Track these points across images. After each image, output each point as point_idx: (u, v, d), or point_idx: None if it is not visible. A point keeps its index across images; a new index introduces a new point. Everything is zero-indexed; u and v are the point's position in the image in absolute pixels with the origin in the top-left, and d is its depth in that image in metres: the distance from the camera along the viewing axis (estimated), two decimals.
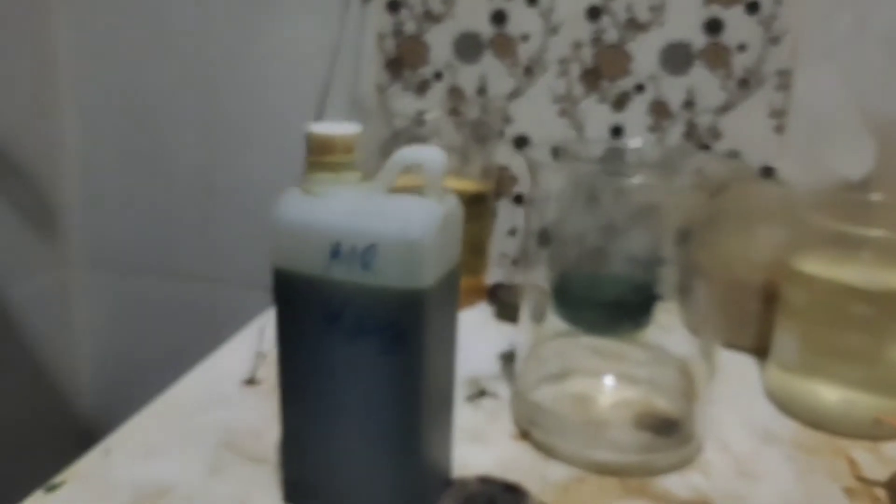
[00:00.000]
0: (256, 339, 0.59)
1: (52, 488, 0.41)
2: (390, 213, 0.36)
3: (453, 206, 0.38)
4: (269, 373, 0.55)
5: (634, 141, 0.66)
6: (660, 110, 0.69)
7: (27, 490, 0.42)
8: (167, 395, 0.52)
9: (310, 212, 0.36)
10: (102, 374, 0.90)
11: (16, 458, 0.79)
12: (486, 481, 0.44)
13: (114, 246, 0.86)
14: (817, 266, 0.53)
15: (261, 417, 0.49)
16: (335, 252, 0.36)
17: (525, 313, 0.54)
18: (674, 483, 0.45)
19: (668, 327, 0.57)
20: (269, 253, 0.37)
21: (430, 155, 0.36)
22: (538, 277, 0.56)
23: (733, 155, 0.67)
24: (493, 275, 0.74)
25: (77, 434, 0.90)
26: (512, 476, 0.45)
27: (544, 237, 0.56)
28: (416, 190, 0.37)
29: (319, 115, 0.71)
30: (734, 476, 0.46)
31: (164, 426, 0.48)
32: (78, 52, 0.81)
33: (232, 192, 0.81)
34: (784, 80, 0.66)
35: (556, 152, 0.56)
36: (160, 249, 0.85)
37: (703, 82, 0.67)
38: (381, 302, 0.36)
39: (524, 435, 0.49)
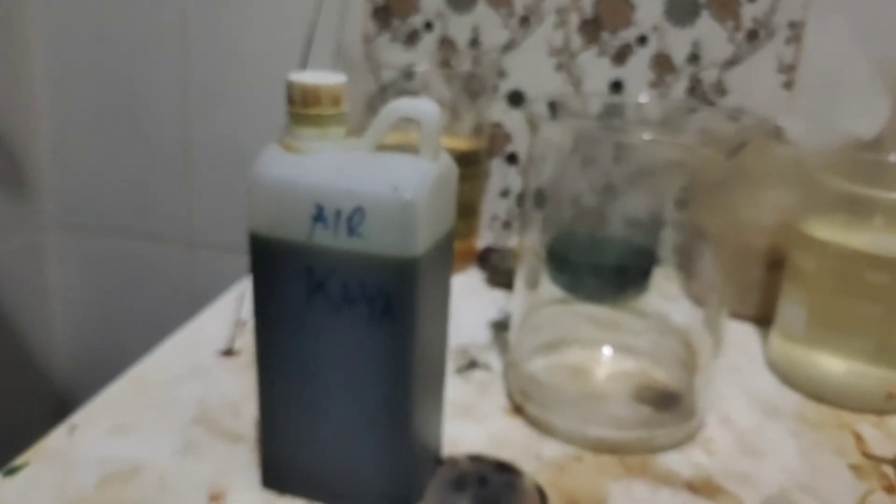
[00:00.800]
0: (235, 307, 0.55)
1: (13, 471, 0.38)
2: (380, 172, 0.32)
3: (448, 165, 0.35)
4: (248, 343, 0.52)
5: (642, 96, 0.62)
6: (663, 64, 0.65)
7: (2, 460, 0.40)
8: (139, 366, 0.48)
9: (291, 170, 0.33)
10: (77, 339, 0.86)
11: None
12: (477, 460, 0.42)
13: (88, 207, 0.82)
14: (827, 231, 0.50)
15: (238, 391, 0.46)
16: (318, 216, 0.32)
17: (519, 279, 0.51)
18: (675, 461, 0.43)
19: (667, 294, 0.55)
20: (247, 216, 0.34)
21: (424, 109, 0.33)
22: (533, 241, 0.53)
23: (739, 112, 0.64)
24: (484, 238, 0.71)
25: (51, 400, 0.86)
26: (505, 454, 0.42)
27: (540, 198, 0.53)
28: (407, 147, 0.34)
29: (302, 67, 0.67)
30: (737, 453, 0.44)
31: (135, 401, 0.45)
32: (47, 8, 0.76)
33: (210, 149, 0.77)
34: (795, 32, 0.62)
35: (553, 108, 0.52)
36: (136, 210, 0.80)
37: (710, 34, 0.63)
38: (368, 270, 0.33)
39: (518, 409, 0.47)
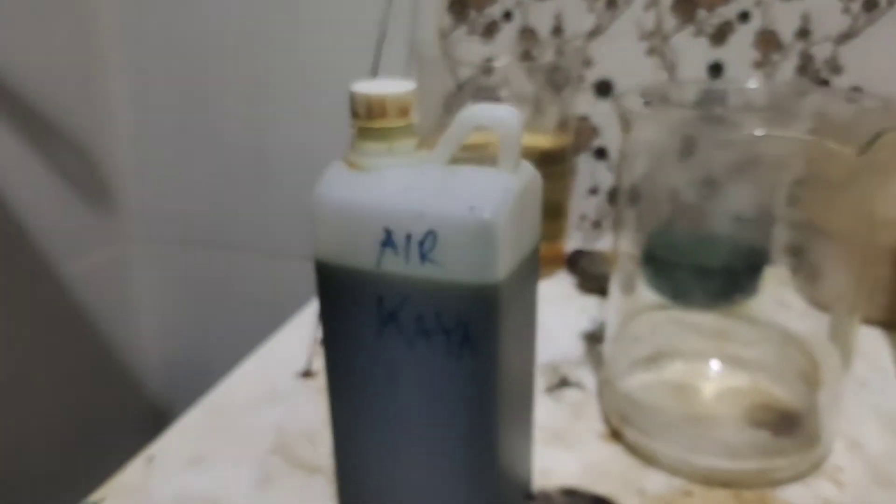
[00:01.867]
0: (313, 325, 0.53)
1: None
2: (454, 190, 0.29)
3: (531, 177, 0.31)
4: None
5: (750, 80, 0.56)
6: (769, 41, 0.59)
7: (98, 475, 0.39)
8: (216, 391, 0.47)
9: (355, 191, 0.30)
10: (166, 352, 0.87)
11: (84, 443, 0.77)
12: (572, 494, 0.38)
13: (168, 220, 0.82)
14: None
15: (316, 416, 0.44)
16: (387, 241, 0.29)
17: (614, 284, 0.47)
18: (799, 495, 0.38)
19: (781, 299, 0.49)
20: (312, 241, 0.31)
21: (502, 116, 0.29)
22: (627, 242, 0.48)
23: (857, 92, 0.57)
24: (573, 240, 0.67)
25: (146, 413, 0.88)
26: (602, 487, 0.38)
27: (634, 195, 0.48)
28: (482, 154, 0.31)
29: (375, 68, 0.64)
30: (871, 484, 0.39)
31: (212, 428, 0.43)
32: (124, 20, 0.76)
33: (285, 157, 0.75)
34: None
35: (646, 98, 0.48)
36: (215, 221, 0.80)
37: (822, 5, 0.57)
38: (444, 300, 0.29)
39: (616, 434, 0.42)
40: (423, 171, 0.30)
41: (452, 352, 0.30)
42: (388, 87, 0.30)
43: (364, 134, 0.31)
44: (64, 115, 0.73)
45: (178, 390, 0.87)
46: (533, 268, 0.33)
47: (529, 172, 0.31)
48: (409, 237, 0.29)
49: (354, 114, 0.31)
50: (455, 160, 0.30)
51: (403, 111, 0.30)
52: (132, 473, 0.40)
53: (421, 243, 0.29)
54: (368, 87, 0.30)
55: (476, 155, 0.31)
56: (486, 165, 0.30)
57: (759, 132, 0.38)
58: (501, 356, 0.30)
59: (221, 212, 0.79)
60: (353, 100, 0.30)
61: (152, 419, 0.89)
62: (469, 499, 0.33)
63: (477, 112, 0.30)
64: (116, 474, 0.39)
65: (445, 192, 0.29)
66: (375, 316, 0.30)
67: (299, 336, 0.53)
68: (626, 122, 0.42)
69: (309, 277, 0.81)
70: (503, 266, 0.29)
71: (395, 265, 0.29)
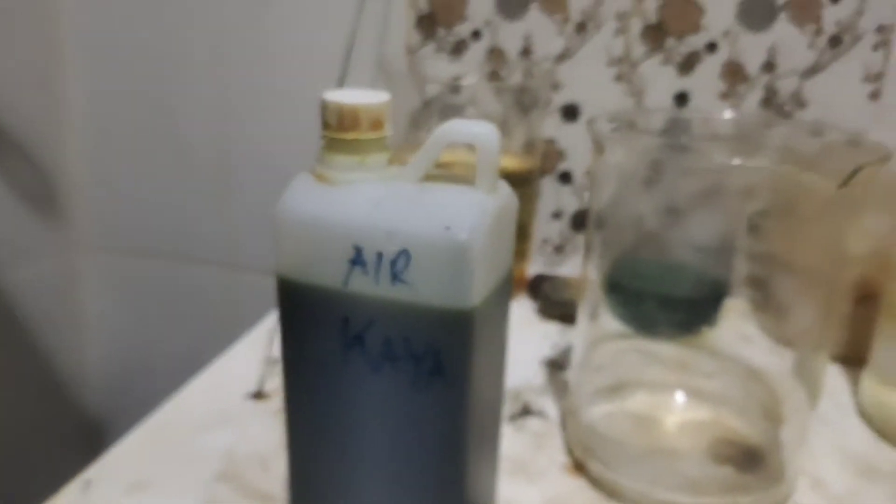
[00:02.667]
0: (266, 343, 0.51)
1: None
2: (428, 208, 0.27)
3: (507, 197, 0.30)
4: (279, 384, 0.47)
5: (724, 111, 0.56)
6: (735, 73, 0.59)
7: (33, 492, 0.36)
8: (161, 412, 0.44)
9: (323, 206, 0.28)
10: (112, 361, 0.83)
11: (21, 455, 0.73)
12: None
13: (123, 228, 0.79)
14: None
15: (268, 441, 0.42)
16: (356, 259, 0.28)
17: (581, 312, 0.46)
18: None
19: (741, 332, 0.49)
20: (274, 255, 0.29)
21: (481, 132, 0.28)
22: (593, 268, 0.47)
23: (821, 126, 0.58)
24: (535, 264, 0.66)
25: (84, 431, 0.83)
26: None
27: (600, 221, 0.47)
28: (454, 172, 0.29)
29: (341, 82, 0.62)
30: None
31: (156, 452, 0.41)
32: (82, 22, 0.73)
33: (249, 168, 0.73)
34: (884, 37, 0.56)
35: (614, 123, 0.47)
36: (172, 231, 0.77)
37: (788, 40, 0.57)
38: (415, 323, 0.28)
39: (579, 467, 0.41)
40: (396, 187, 0.29)
41: (421, 379, 0.28)
42: (362, 97, 0.29)
43: (334, 145, 0.29)
44: (15, 120, 0.70)
45: (121, 408, 0.83)
46: (506, 293, 0.31)
47: (506, 192, 0.30)
48: (380, 256, 0.27)
49: (325, 123, 0.29)
50: (429, 178, 0.29)
51: (377, 123, 0.29)
52: (67, 497, 0.37)
53: (393, 263, 0.27)
54: (341, 96, 0.29)
55: (448, 173, 0.30)
56: (458, 184, 0.29)
57: (735, 161, 0.38)
58: (473, 386, 0.29)
59: (179, 222, 0.76)
60: (324, 108, 0.29)
61: (91, 437, 0.84)
62: None
63: (454, 127, 0.28)
64: (49, 499, 0.36)
65: (419, 209, 0.27)
66: (340, 338, 0.29)
67: (252, 354, 0.51)
68: (598, 146, 0.41)
69: (267, 293, 0.78)
70: (478, 290, 0.27)
71: (364, 285, 0.28)
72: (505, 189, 0.30)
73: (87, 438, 0.84)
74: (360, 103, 0.28)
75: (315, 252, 0.28)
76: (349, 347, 0.29)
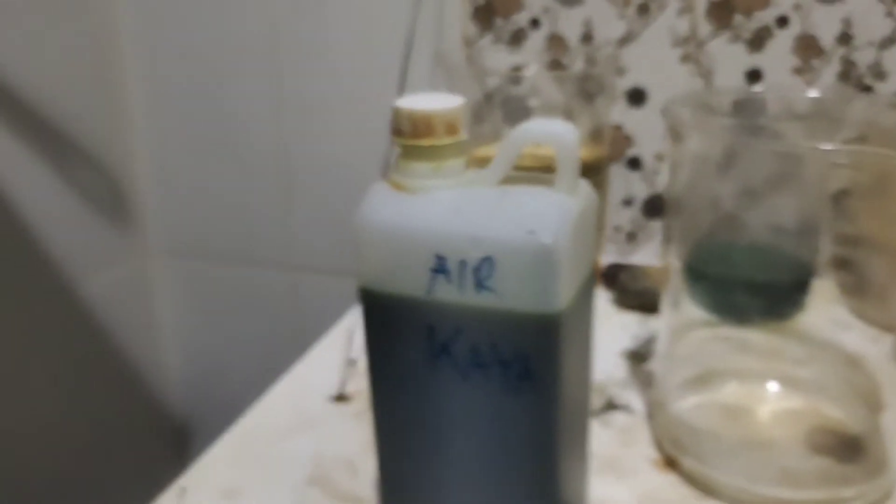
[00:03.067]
0: (344, 345, 0.51)
1: None
2: (510, 212, 0.27)
3: (588, 196, 0.29)
4: (360, 386, 0.48)
5: (803, 88, 0.54)
6: (808, 47, 0.57)
7: (113, 492, 0.37)
8: (247, 418, 0.45)
9: (403, 215, 0.28)
10: (188, 366, 0.86)
11: (104, 458, 0.76)
12: None
13: (189, 233, 0.80)
14: None
15: (353, 443, 0.42)
16: (439, 268, 0.27)
17: (666, 301, 0.45)
18: None
19: (833, 316, 0.47)
20: (356, 267, 0.29)
21: (560, 132, 0.27)
22: (672, 255, 0.46)
23: None
24: (608, 253, 0.65)
25: (166, 429, 0.86)
26: None
27: (677, 207, 0.46)
28: (530, 172, 0.29)
29: (402, 79, 0.62)
30: None
31: (245, 458, 0.41)
32: (139, 28, 0.75)
33: (309, 168, 0.74)
34: None
35: (688, 106, 0.46)
36: (238, 235, 0.78)
37: (863, 9, 0.55)
38: (501, 330, 0.27)
39: (670, 462, 0.40)
40: (476, 193, 0.28)
41: (510, 385, 0.28)
42: (435, 101, 0.28)
43: (409, 153, 0.29)
44: (81, 129, 0.72)
45: (199, 407, 0.86)
46: (590, 292, 0.31)
47: (586, 191, 0.29)
48: (463, 263, 0.27)
49: (398, 131, 0.29)
50: (507, 181, 0.29)
51: (452, 128, 0.28)
52: None
53: (476, 270, 0.27)
54: (413, 103, 0.28)
55: (527, 174, 0.29)
56: (537, 185, 0.28)
57: (828, 146, 0.36)
58: (563, 388, 0.28)
59: (244, 226, 0.78)
60: (397, 116, 0.28)
61: (173, 439, 0.87)
62: None
63: (532, 128, 0.28)
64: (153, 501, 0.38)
65: (501, 214, 0.27)
66: (426, 347, 0.29)
67: (330, 357, 0.51)
68: (676, 133, 0.40)
69: (332, 293, 0.79)
70: (565, 293, 0.27)
71: (448, 293, 0.27)
72: (585, 188, 0.29)
73: (169, 440, 0.87)
74: (433, 109, 0.28)
75: (397, 262, 0.28)
76: (436, 356, 0.29)
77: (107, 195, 0.77)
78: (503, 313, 0.27)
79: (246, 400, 0.47)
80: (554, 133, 0.27)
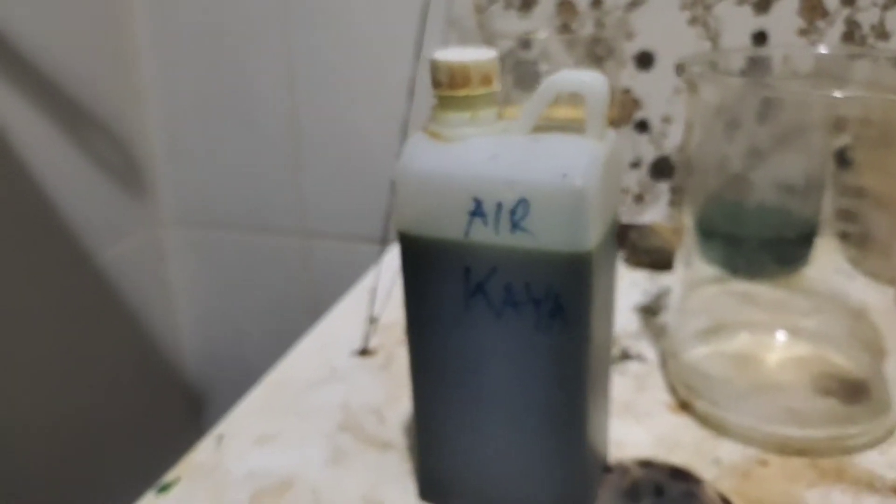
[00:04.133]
0: (367, 303, 0.53)
1: (165, 488, 0.37)
2: (543, 158, 0.29)
3: (614, 143, 0.31)
4: (383, 341, 0.49)
5: (808, 48, 0.55)
6: (813, 8, 0.58)
7: (133, 458, 0.39)
8: (277, 370, 0.47)
9: (442, 162, 0.29)
10: (202, 332, 0.87)
11: (121, 425, 0.78)
12: (648, 465, 0.38)
13: (203, 201, 0.82)
14: None
15: (380, 393, 0.44)
16: (476, 210, 0.29)
17: (679, 258, 0.46)
18: (876, 462, 0.38)
19: (836, 268, 0.49)
20: (393, 213, 0.31)
21: (589, 82, 0.29)
22: (685, 213, 0.48)
23: None
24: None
25: (181, 393, 0.88)
26: (677, 458, 0.38)
27: (690, 166, 0.48)
28: (560, 124, 0.30)
29: (418, 44, 0.63)
30: None
31: (278, 407, 0.43)
32: (155, 1, 0.75)
33: (320, 135, 0.75)
34: None
35: (681, 69, 0.47)
36: (250, 201, 0.80)
37: None
38: (535, 269, 0.29)
39: (684, 405, 0.42)
40: (510, 140, 0.30)
41: (542, 323, 0.30)
42: (470, 54, 0.30)
43: (446, 103, 0.30)
44: (95, 100, 0.73)
45: (214, 373, 0.88)
46: (615, 236, 0.32)
47: (612, 138, 0.31)
48: (499, 206, 0.28)
49: (436, 83, 0.30)
50: (537, 129, 0.30)
51: (486, 79, 0.30)
52: (203, 453, 0.39)
53: (512, 212, 0.28)
54: (450, 55, 0.30)
55: (556, 123, 0.31)
56: (567, 133, 0.30)
57: (837, 93, 0.38)
58: (592, 325, 0.30)
59: (256, 193, 0.79)
60: (435, 68, 0.30)
61: (188, 402, 0.89)
62: (554, 470, 0.33)
63: (562, 78, 0.29)
64: (188, 454, 0.39)
65: (535, 159, 0.29)
66: (462, 287, 0.30)
67: (353, 315, 0.53)
68: (692, 86, 0.41)
69: (341, 258, 0.81)
70: (595, 234, 0.28)
71: (484, 235, 0.29)
72: (611, 135, 0.31)
73: (184, 406, 0.89)
74: (469, 60, 0.29)
75: (436, 206, 0.30)
76: (472, 295, 0.30)
77: (121, 165, 0.78)
78: (537, 253, 0.29)
79: (260, 366, 0.49)
80: (584, 82, 0.29)
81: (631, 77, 0.63)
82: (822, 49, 0.49)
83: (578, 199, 0.28)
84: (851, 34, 0.58)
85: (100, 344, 0.76)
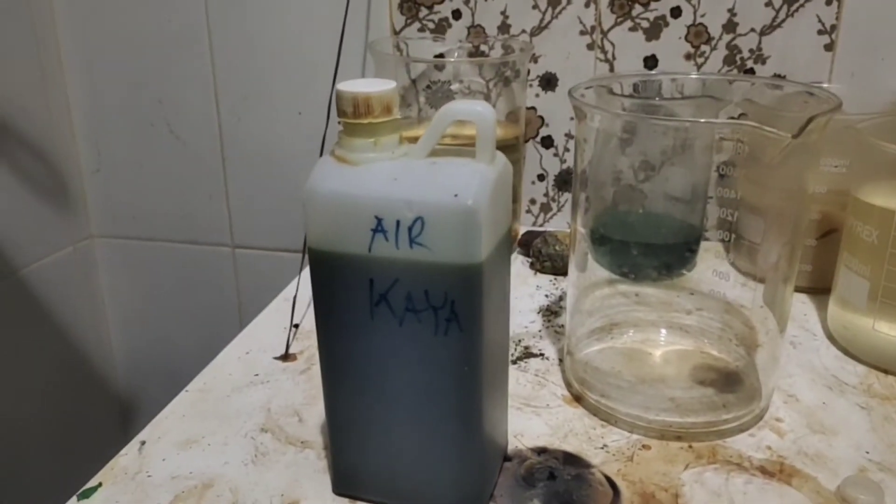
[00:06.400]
0: (288, 311, 0.55)
1: (87, 493, 0.38)
2: (438, 179, 0.32)
3: (504, 165, 0.35)
4: (303, 346, 0.52)
5: (692, 72, 0.61)
6: (699, 34, 0.63)
7: (62, 465, 0.40)
8: (200, 377, 0.49)
9: (347, 184, 0.33)
10: (130, 340, 0.88)
11: (51, 433, 0.78)
12: (543, 452, 0.42)
13: (130, 213, 0.83)
14: (887, 198, 0.49)
15: (299, 396, 0.47)
16: (378, 228, 0.32)
17: (572, 263, 0.51)
18: (745, 444, 0.43)
19: (716, 271, 0.54)
20: (305, 231, 0.34)
21: (479, 111, 0.32)
22: (579, 222, 0.52)
23: (779, 79, 0.63)
24: (523, 222, 0.71)
25: (112, 401, 0.88)
26: (570, 445, 0.42)
27: (583, 180, 0.52)
28: (456, 147, 0.34)
29: (336, 69, 0.66)
30: (808, 432, 0.44)
31: (199, 412, 0.45)
32: (79, 20, 0.76)
33: (245, 152, 0.77)
34: None
35: (592, 88, 0.52)
36: (176, 215, 0.81)
37: (747, 0, 0.62)
38: (432, 279, 0.32)
39: (578, 398, 0.46)
40: (409, 163, 0.33)
41: (440, 327, 0.33)
42: (372, 85, 0.33)
43: (351, 130, 0.33)
44: (19, 115, 0.73)
45: (143, 380, 0.88)
46: (507, 248, 0.36)
47: (502, 162, 0.34)
48: (398, 223, 0.32)
49: (341, 112, 0.33)
50: (434, 153, 0.33)
51: (387, 108, 0.33)
52: (125, 458, 0.41)
53: (410, 229, 0.32)
54: (354, 87, 0.33)
55: (452, 147, 0.34)
56: (461, 157, 0.33)
57: (708, 120, 0.42)
58: (484, 328, 0.33)
59: (183, 205, 0.80)
60: (341, 98, 0.33)
61: (118, 409, 0.89)
62: (458, 465, 0.36)
63: (455, 107, 0.33)
64: (110, 460, 0.41)
65: (430, 181, 0.32)
66: (367, 297, 0.33)
67: (273, 323, 0.55)
68: (580, 112, 0.45)
69: (266, 268, 0.83)
70: (485, 247, 0.32)
71: (386, 250, 0.32)
72: (501, 158, 0.34)
73: (114, 414, 0.89)
74: (372, 91, 0.33)
75: (341, 224, 0.33)
76: (376, 304, 0.33)
77: (47, 178, 0.78)
78: (433, 265, 0.32)
79: (188, 373, 0.50)
80: (474, 111, 0.32)
81: (537, 96, 0.68)
82: (705, 74, 0.54)
83: (469, 217, 0.31)
84: (733, 57, 0.64)
85: (29, 354, 0.76)
